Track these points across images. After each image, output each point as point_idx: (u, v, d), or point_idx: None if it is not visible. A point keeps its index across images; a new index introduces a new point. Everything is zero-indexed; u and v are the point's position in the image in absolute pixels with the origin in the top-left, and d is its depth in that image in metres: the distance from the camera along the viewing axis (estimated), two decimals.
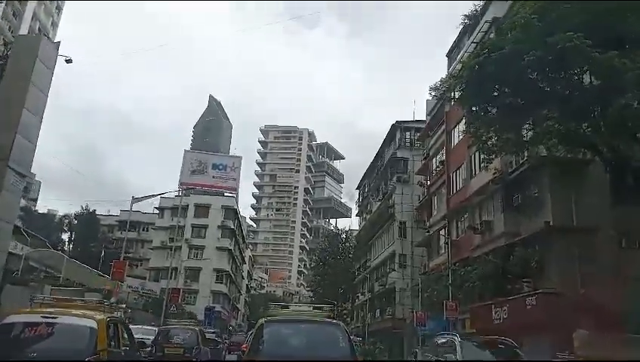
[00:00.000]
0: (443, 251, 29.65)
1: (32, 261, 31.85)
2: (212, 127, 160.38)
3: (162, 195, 51.01)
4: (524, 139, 17.24)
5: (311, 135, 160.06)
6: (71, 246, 59.04)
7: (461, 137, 26.99)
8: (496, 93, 15.79)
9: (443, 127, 30.80)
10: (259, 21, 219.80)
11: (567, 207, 18.70)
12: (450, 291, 25.06)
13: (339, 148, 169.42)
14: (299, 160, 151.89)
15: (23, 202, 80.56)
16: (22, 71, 18.04)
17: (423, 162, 35.69)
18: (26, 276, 25.07)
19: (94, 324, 6.95)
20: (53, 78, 19.68)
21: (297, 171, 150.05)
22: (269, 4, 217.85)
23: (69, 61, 22.22)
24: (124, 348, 8.04)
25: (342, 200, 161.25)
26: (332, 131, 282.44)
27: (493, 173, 20.63)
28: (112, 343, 7.45)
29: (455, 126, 28.39)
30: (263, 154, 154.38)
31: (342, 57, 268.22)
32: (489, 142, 16.97)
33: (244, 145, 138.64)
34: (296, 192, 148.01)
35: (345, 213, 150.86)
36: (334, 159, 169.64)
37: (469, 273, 23.27)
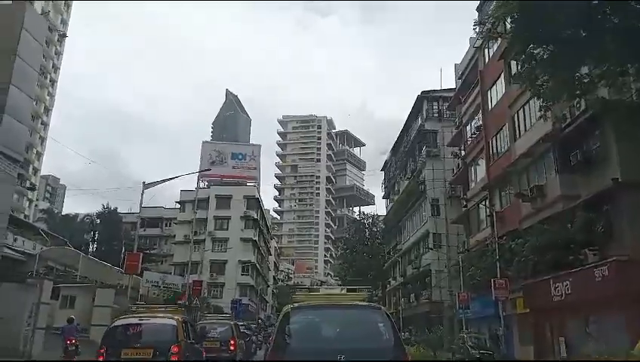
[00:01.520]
0: (485, 226, 27.04)
1: (50, 260, 30.74)
2: (230, 122, 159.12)
3: (174, 178, 48.81)
4: (586, 80, 14.43)
5: (329, 123, 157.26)
6: (95, 246, 58.18)
7: (500, 95, 24.21)
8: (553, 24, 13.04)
9: (477, 88, 27.99)
10: (268, 14, 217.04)
11: (638, 160, 15.95)
12: (499, 268, 22.46)
13: (358, 136, 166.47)
14: (319, 149, 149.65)
15: (47, 205, 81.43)
16: (6, 43, 16.08)
17: (456, 131, 32.90)
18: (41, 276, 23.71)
19: (175, 323, 9.85)
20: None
21: (318, 160, 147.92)
22: None
23: (63, 35, 20.42)
24: (192, 340, 10.86)
25: (365, 188, 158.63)
26: (350, 120, 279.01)
27: (553, 123, 17.74)
28: (186, 335, 10.19)
29: (493, 85, 25.60)
30: (282, 145, 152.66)
31: (356, 45, 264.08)
32: (545, 86, 14.21)
33: (264, 140, 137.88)
34: (319, 182, 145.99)
35: (369, 200, 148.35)
36: (354, 146, 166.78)
37: (519, 246, 20.65)
